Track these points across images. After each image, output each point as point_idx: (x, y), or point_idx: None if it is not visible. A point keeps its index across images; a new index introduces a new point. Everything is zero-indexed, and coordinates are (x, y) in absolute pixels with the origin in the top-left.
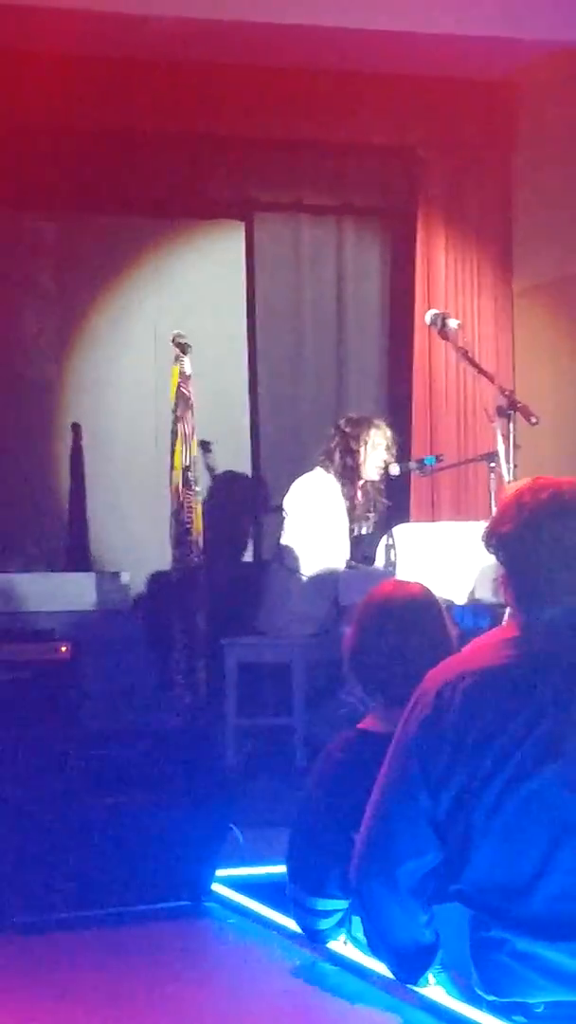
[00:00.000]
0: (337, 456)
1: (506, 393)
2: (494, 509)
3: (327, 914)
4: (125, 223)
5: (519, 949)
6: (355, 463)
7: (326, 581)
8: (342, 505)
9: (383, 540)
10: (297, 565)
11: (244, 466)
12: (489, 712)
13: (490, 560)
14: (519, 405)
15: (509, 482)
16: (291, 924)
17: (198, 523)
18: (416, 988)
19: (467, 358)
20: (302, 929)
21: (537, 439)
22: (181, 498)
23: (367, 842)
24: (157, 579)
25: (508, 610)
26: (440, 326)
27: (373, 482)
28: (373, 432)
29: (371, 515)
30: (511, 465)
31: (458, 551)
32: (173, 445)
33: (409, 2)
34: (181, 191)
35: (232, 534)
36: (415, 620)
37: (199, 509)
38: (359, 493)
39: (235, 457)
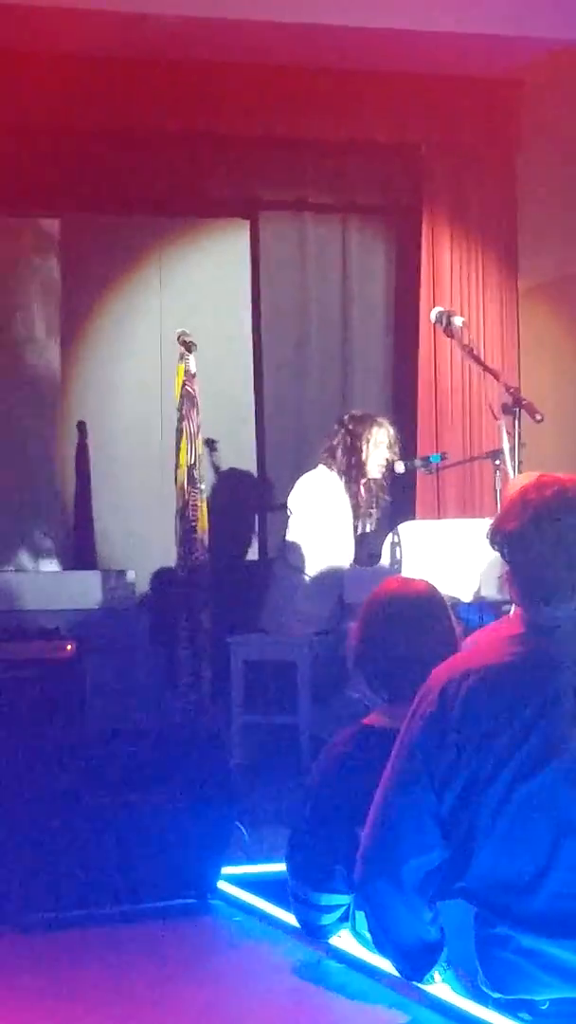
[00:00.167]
0: (340, 454)
1: (511, 391)
2: (499, 506)
3: (329, 909)
4: (129, 222)
5: (524, 946)
6: (358, 461)
7: (331, 579)
8: (346, 502)
9: (389, 538)
10: (302, 563)
11: (249, 464)
12: (493, 709)
13: (495, 557)
14: (524, 402)
15: (513, 479)
16: (297, 922)
17: (203, 521)
18: (421, 985)
19: (472, 356)
20: (302, 924)
21: (542, 436)
22: (186, 496)
23: (371, 839)
24: (162, 577)
25: (512, 607)
26: (445, 324)
27: (376, 480)
28: (376, 430)
29: (373, 511)
30: (516, 462)
31: (463, 548)
32: (178, 443)
33: (413, 0)
34: (185, 190)
35: (237, 532)
36: (420, 617)
37: (204, 507)
38: (362, 490)
39: (240, 455)
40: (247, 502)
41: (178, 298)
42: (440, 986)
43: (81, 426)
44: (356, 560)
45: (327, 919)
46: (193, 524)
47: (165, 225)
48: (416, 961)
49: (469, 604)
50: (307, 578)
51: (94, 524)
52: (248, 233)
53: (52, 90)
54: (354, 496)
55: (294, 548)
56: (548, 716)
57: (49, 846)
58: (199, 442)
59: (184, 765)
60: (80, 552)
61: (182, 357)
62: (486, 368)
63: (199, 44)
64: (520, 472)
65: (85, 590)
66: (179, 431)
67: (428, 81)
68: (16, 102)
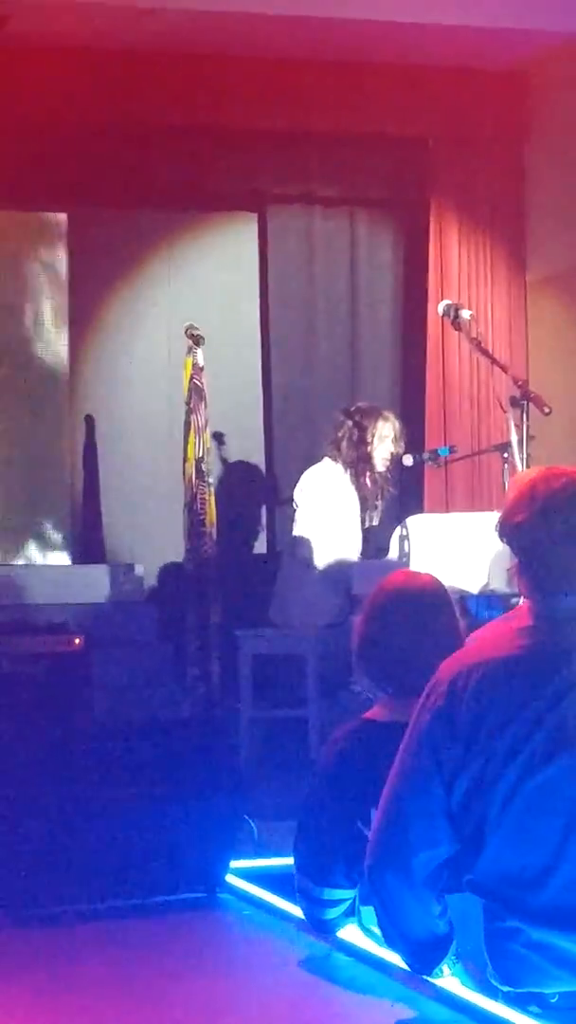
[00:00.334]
0: (345, 446)
1: (519, 383)
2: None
3: (332, 903)
4: (137, 217)
5: (533, 939)
6: (363, 454)
7: (339, 572)
8: (352, 495)
9: (397, 531)
10: (310, 556)
11: (257, 457)
12: (502, 702)
13: (504, 550)
14: (532, 395)
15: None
16: (303, 916)
17: (211, 515)
18: (431, 979)
19: (480, 348)
20: (308, 919)
21: (550, 429)
22: (194, 490)
23: (381, 833)
24: (170, 571)
25: (521, 599)
26: (453, 317)
27: (381, 472)
28: (380, 424)
29: (379, 504)
30: (524, 455)
31: (472, 541)
32: (186, 437)
33: None
34: (193, 184)
35: (245, 525)
36: (424, 611)
37: (212, 501)
38: (368, 483)
39: (248, 449)
40: (255, 495)
41: (186, 292)
42: (449, 979)
43: (89, 420)
44: (364, 553)
45: (331, 913)
46: (201, 517)
47: (173, 219)
48: (425, 955)
49: (478, 597)
50: (315, 571)
51: (102, 518)
52: (256, 227)
53: (60, 85)
54: (360, 489)
55: (301, 541)
56: (557, 709)
57: (57, 840)
58: (207, 435)
59: (193, 759)
60: (88, 546)
61: (190, 350)
62: (494, 361)
63: (206, 38)
64: (528, 465)
65: (93, 584)
66: (187, 424)
67: (435, 74)
68: (24, 97)
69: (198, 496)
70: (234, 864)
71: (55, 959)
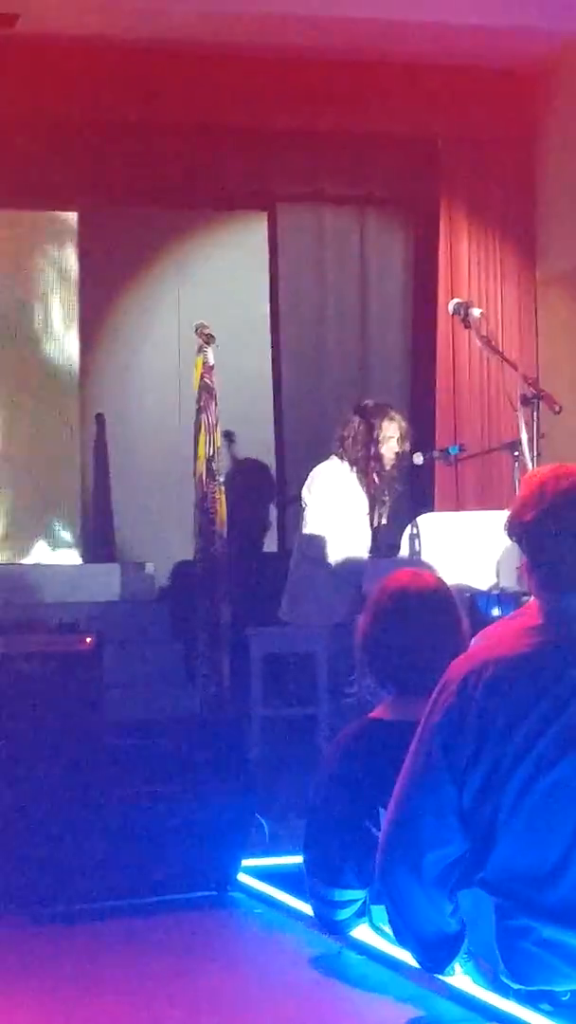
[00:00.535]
0: (350, 444)
1: (529, 381)
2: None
3: (343, 904)
4: (148, 215)
5: (545, 937)
6: (369, 452)
7: (350, 570)
8: (359, 493)
9: (407, 529)
10: (319, 554)
11: (268, 456)
12: (513, 700)
13: (514, 548)
14: (542, 393)
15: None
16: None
17: (222, 513)
18: (442, 977)
19: (490, 346)
20: (320, 920)
21: (561, 427)
22: (205, 488)
23: (392, 832)
24: (181, 569)
25: (531, 597)
26: (463, 315)
27: (387, 471)
28: (386, 422)
29: (386, 501)
30: (534, 453)
31: (482, 540)
32: (196, 435)
33: None
34: (203, 183)
35: (256, 524)
36: (428, 610)
37: (223, 499)
38: (375, 480)
39: (259, 447)
40: (265, 494)
41: (196, 290)
42: (461, 977)
43: (100, 418)
44: (374, 551)
45: (343, 914)
46: (212, 516)
47: (183, 218)
48: (436, 953)
49: (488, 595)
50: (325, 570)
51: (113, 517)
52: (266, 225)
53: (70, 84)
54: (366, 487)
55: (310, 540)
56: (567, 707)
57: (70, 839)
58: (217, 434)
59: (204, 758)
60: (99, 545)
61: (200, 349)
62: (504, 359)
63: (217, 37)
64: (538, 463)
65: (104, 583)
66: (197, 423)
67: (445, 72)
68: (34, 95)
69: (208, 495)
70: (245, 862)
71: (67, 957)
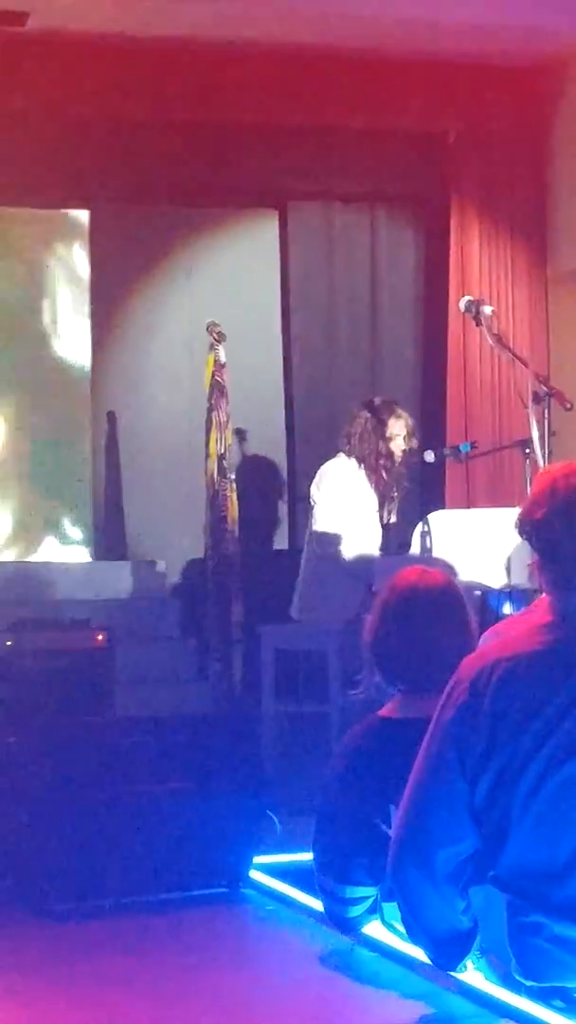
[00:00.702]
0: (357, 441)
1: (540, 379)
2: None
3: (355, 901)
4: (159, 213)
5: (557, 933)
6: (375, 449)
7: (360, 567)
8: (367, 489)
9: (419, 527)
10: (330, 552)
11: (279, 454)
12: (524, 698)
13: (525, 546)
14: (554, 391)
15: (543, 468)
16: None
17: (233, 511)
18: (454, 974)
19: (501, 344)
20: (331, 918)
21: (572, 424)
22: (216, 486)
23: (404, 829)
24: (192, 567)
25: (543, 595)
26: (474, 312)
27: (394, 468)
28: (392, 420)
29: (395, 498)
30: (545, 451)
31: (494, 537)
32: (208, 433)
33: None
34: (215, 180)
35: (267, 521)
36: (436, 608)
37: (234, 497)
38: (383, 477)
39: (270, 445)
40: (277, 491)
41: (207, 288)
42: (473, 974)
43: (111, 416)
44: (385, 549)
45: (354, 911)
46: (223, 514)
47: (194, 216)
48: (449, 950)
49: (499, 592)
50: (336, 567)
51: (124, 514)
52: (277, 223)
53: (80, 81)
54: (374, 484)
55: (320, 537)
56: None
57: (81, 836)
58: (229, 432)
59: (215, 754)
60: (111, 542)
61: (212, 347)
62: (515, 356)
63: (228, 34)
64: (550, 461)
65: (116, 580)
66: (209, 421)
67: (457, 69)
68: (45, 93)
69: (220, 492)
70: (257, 859)
71: (79, 954)
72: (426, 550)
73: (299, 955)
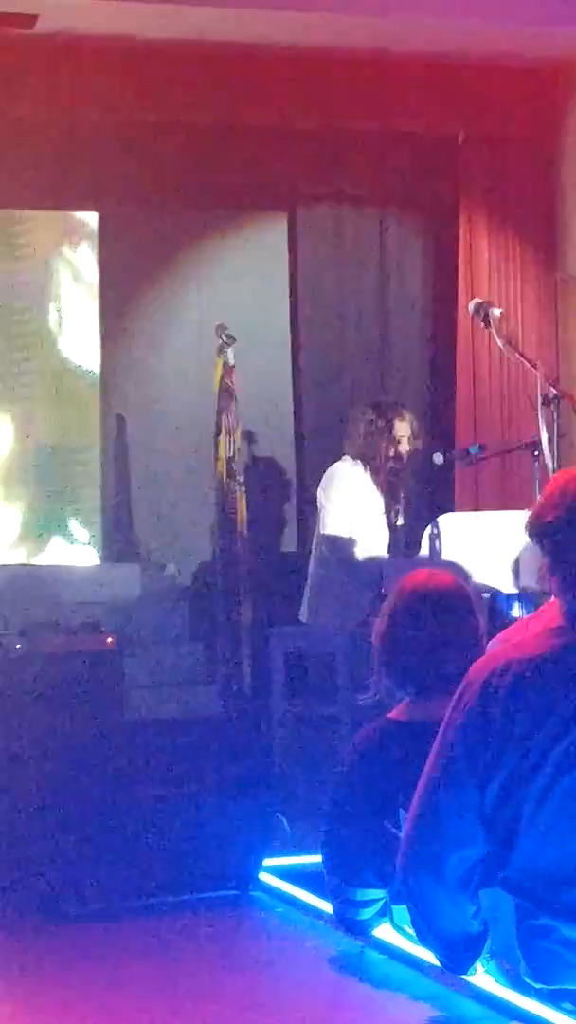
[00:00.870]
0: (360, 444)
1: (550, 381)
2: (538, 498)
3: (366, 903)
4: (168, 216)
5: (566, 936)
6: (379, 451)
7: (369, 569)
8: (372, 491)
9: (428, 529)
10: (338, 555)
11: (288, 457)
12: (535, 701)
13: (534, 548)
14: (563, 393)
15: (554, 470)
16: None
17: (242, 514)
18: (464, 977)
19: (510, 346)
20: (341, 920)
21: None
22: (225, 489)
23: (414, 833)
24: (202, 570)
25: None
26: (483, 315)
27: (398, 470)
28: (396, 422)
29: (401, 500)
30: (555, 453)
31: (503, 540)
32: (217, 436)
33: None
34: (224, 182)
35: (276, 524)
36: (445, 611)
37: (243, 500)
38: (386, 480)
39: (279, 448)
40: (286, 494)
41: (216, 291)
42: (483, 977)
43: (120, 419)
44: (393, 551)
45: (365, 914)
46: (232, 517)
47: (203, 218)
48: (459, 953)
49: (509, 595)
50: (345, 570)
51: (134, 517)
52: (286, 225)
53: (89, 84)
54: (380, 486)
55: (328, 540)
56: None
57: (92, 839)
58: (238, 435)
59: (225, 757)
60: (120, 545)
61: (221, 350)
62: (525, 359)
63: (237, 36)
64: (559, 463)
65: (125, 583)
66: (218, 424)
67: (466, 71)
68: (54, 96)
69: (229, 495)
70: (267, 862)
71: (89, 956)
72: (435, 553)
73: (309, 957)
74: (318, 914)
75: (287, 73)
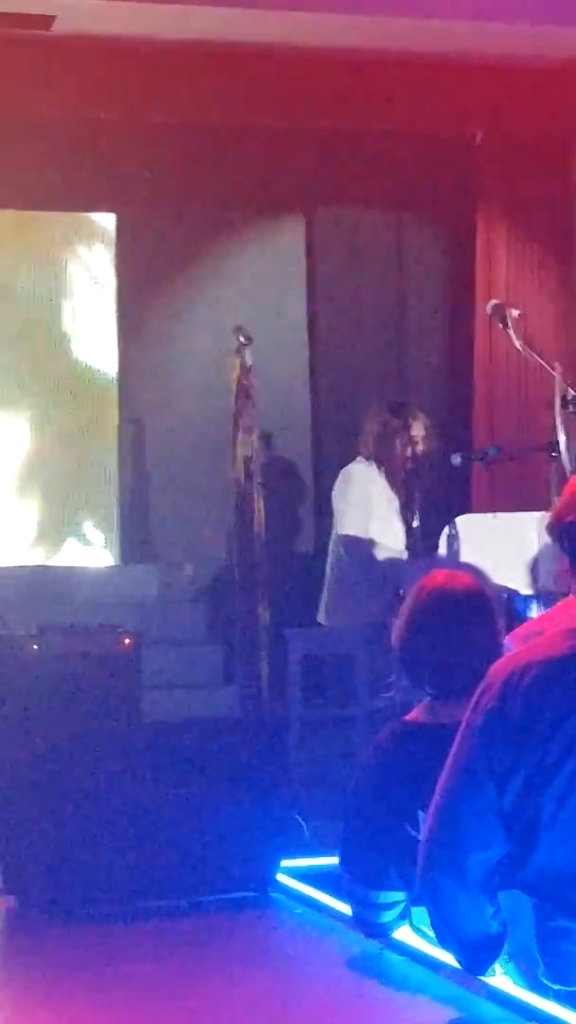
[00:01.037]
0: (374, 444)
1: (568, 383)
2: (555, 500)
3: (388, 906)
4: (185, 216)
5: None
6: (393, 452)
7: (386, 569)
8: (387, 492)
9: (445, 530)
10: (355, 556)
11: (305, 458)
12: (554, 702)
13: (552, 548)
14: None
15: (572, 472)
16: (355, 921)
17: (259, 514)
18: (483, 978)
19: (528, 348)
20: (361, 925)
21: None
22: (242, 490)
23: (434, 834)
24: (219, 570)
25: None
26: (501, 316)
27: (412, 470)
28: (410, 422)
29: (415, 498)
30: (573, 455)
31: (520, 541)
32: (234, 437)
33: None
34: (241, 184)
35: (293, 525)
36: (465, 612)
37: (260, 501)
38: (400, 481)
39: (296, 448)
40: (303, 495)
41: (234, 292)
42: (501, 978)
43: (138, 420)
44: (411, 552)
45: (387, 916)
46: (249, 517)
47: (220, 220)
48: (478, 955)
49: (526, 597)
50: (362, 571)
51: (152, 518)
52: (303, 227)
53: (106, 85)
54: (394, 487)
55: (344, 541)
56: None
57: (109, 840)
58: (255, 436)
59: (242, 759)
60: (137, 546)
61: (238, 351)
62: (542, 361)
63: (254, 37)
64: None
65: (142, 583)
66: (235, 425)
67: (483, 72)
68: (71, 97)
69: (246, 496)
70: (285, 863)
71: (107, 957)
72: (453, 553)
73: (327, 959)
74: (336, 915)
75: (304, 74)
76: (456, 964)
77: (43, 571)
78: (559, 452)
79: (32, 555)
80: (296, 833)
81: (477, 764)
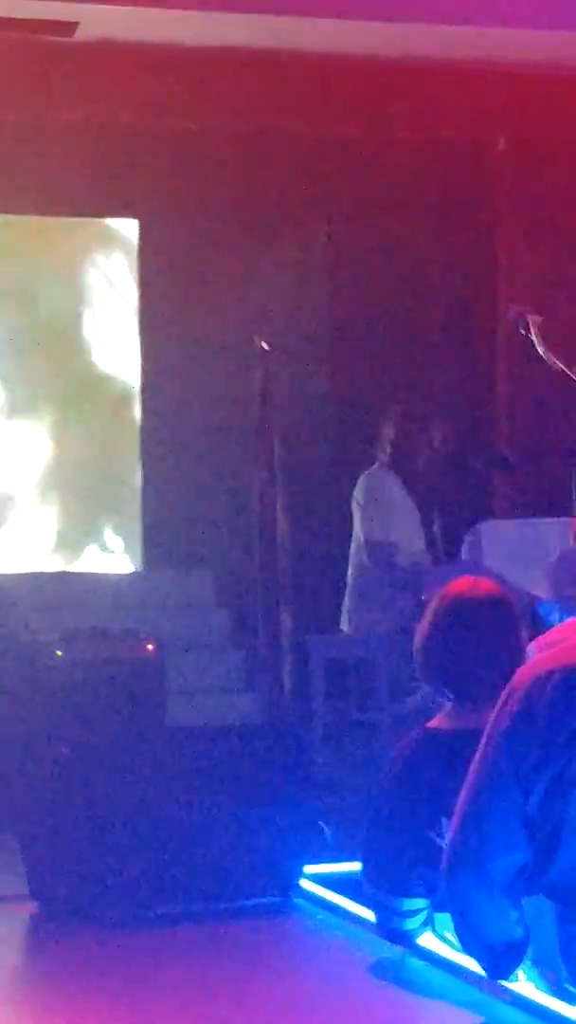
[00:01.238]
0: (391, 449)
1: None
2: None
3: (412, 913)
4: (208, 221)
5: None
6: (411, 457)
7: (407, 575)
8: (405, 497)
9: (467, 536)
10: (375, 560)
11: (326, 462)
12: None
13: (570, 555)
14: None
15: None
16: (379, 928)
17: (282, 520)
18: (506, 984)
19: (550, 354)
20: (384, 931)
21: None
22: (264, 496)
23: (458, 838)
24: (241, 576)
25: None
26: (523, 322)
27: (429, 475)
28: (430, 428)
29: (434, 504)
30: None
31: (543, 547)
32: (256, 442)
33: None
34: (263, 190)
35: (316, 531)
36: (487, 619)
37: (283, 507)
38: (420, 486)
39: (318, 454)
40: (325, 501)
41: (256, 298)
42: (524, 984)
43: (159, 427)
44: (434, 558)
45: (410, 923)
46: (272, 523)
47: (243, 225)
48: (502, 960)
49: (549, 602)
50: (383, 576)
51: (174, 524)
52: (326, 232)
53: (129, 90)
54: (413, 492)
55: (365, 546)
56: None
57: (133, 846)
58: (277, 441)
59: (265, 764)
60: (160, 551)
61: (260, 357)
62: (565, 367)
63: (276, 43)
64: None
65: (165, 589)
66: (257, 430)
67: (505, 77)
68: (94, 102)
69: (268, 502)
70: (308, 869)
71: (130, 963)
72: (475, 559)
73: (350, 964)
74: (359, 921)
75: (327, 80)
76: (479, 970)
77: (66, 577)
78: None
79: (53, 561)
80: (319, 839)
81: (501, 769)
